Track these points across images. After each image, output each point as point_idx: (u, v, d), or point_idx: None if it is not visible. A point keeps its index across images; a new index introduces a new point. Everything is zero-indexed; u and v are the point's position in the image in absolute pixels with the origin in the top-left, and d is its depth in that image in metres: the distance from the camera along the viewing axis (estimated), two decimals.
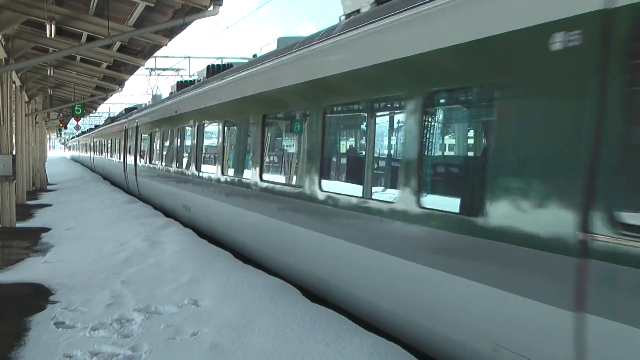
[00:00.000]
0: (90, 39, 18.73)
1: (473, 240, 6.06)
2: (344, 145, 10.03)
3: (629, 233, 4.58)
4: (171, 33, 17.51)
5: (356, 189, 8.76)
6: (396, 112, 8.05)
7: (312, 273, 9.58)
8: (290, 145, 11.47)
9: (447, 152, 7.68)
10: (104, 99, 39.22)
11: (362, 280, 8.10)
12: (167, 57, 53.81)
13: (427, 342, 7.00)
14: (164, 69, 43.94)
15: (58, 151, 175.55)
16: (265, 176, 11.62)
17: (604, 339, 4.77)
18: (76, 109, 36.14)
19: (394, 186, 7.49)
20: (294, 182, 10.63)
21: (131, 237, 15.20)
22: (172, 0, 14.45)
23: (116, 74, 26.47)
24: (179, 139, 18.98)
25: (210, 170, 15.21)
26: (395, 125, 7.95)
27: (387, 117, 8.53)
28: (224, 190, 13.87)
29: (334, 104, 9.10)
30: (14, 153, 20.05)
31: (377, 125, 8.48)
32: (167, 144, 21.12)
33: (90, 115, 78.21)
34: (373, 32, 8.03)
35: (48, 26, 16.03)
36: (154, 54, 22.83)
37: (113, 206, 22.77)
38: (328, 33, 9.35)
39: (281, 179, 11.68)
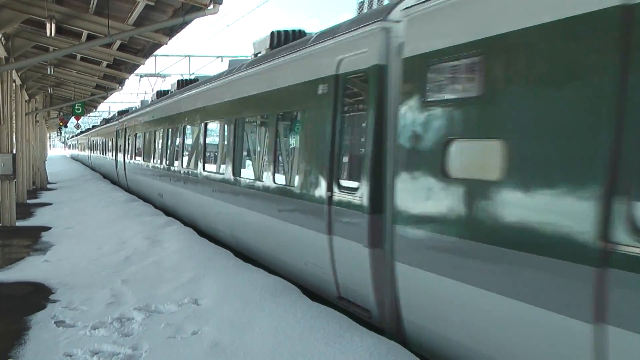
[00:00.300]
0: (90, 37, 18.71)
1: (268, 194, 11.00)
2: (247, 143, 13.27)
3: None
4: (171, 32, 17.50)
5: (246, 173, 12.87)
6: (267, 124, 11.80)
7: (218, 228, 14.71)
8: (223, 144, 14.46)
9: (290, 147, 11.11)
10: (104, 98, 39.19)
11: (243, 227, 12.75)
12: (168, 55, 53.83)
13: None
14: (150, 75, 45.97)
15: (58, 150, 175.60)
16: (207, 167, 15.43)
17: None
18: (76, 107, 36.16)
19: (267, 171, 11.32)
20: (221, 171, 14.06)
21: (131, 236, 15.20)
22: None
23: (116, 73, 26.46)
24: (154, 140, 22.79)
25: (174, 165, 19.09)
26: (268, 132, 11.58)
27: (264, 127, 12.08)
28: (183, 179, 17.77)
29: (239, 117, 13.22)
30: (14, 152, 20.05)
31: (261, 132, 12.49)
32: (146, 143, 24.58)
33: (89, 115, 78.09)
34: (253, 73, 12.55)
35: (48, 25, 16.02)
36: (155, 53, 22.83)
37: (113, 205, 22.78)
38: (235, 70, 14.10)
39: (217, 168, 14.65)
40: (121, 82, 29.19)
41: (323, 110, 9.07)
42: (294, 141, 10.73)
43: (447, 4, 6.60)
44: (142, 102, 39.50)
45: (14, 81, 22.55)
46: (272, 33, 13.04)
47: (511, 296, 5.58)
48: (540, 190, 5.34)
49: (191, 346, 7.46)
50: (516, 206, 5.56)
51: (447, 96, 6.55)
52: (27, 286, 10.97)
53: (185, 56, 48.89)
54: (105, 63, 24.08)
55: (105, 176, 40.46)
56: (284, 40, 12.80)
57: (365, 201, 7.82)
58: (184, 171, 17.50)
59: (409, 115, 7.05)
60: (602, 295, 4.76)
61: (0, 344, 7.92)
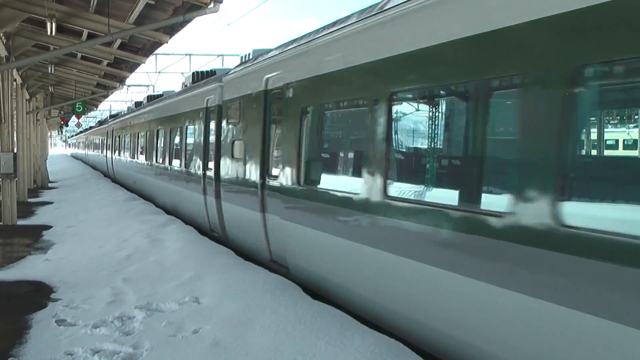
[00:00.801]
0: (90, 36, 18.71)
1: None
2: (168, 143, 20.12)
3: None
4: (172, 30, 17.50)
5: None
6: (172, 132, 19.50)
7: (163, 201, 21.35)
8: (179, 143, 18.86)
9: (185, 145, 17.72)
10: (105, 97, 39.21)
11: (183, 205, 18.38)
12: (168, 54, 53.93)
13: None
14: (137, 85, 54.05)
15: (59, 149, 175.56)
16: (165, 161, 20.68)
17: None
18: (77, 106, 36.17)
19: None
20: (178, 164, 18.83)
21: (132, 235, 15.21)
22: None
23: (117, 72, 26.47)
24: (130, 141, 29.43)
25: (142, 160, 25.37)
26: (173, 137, 19.31)
27: (174, 134, 19.44)
28: (147, 170, 23.95)
29: (170, 127, 19.84)
30: (15, 151, 20.05)
31: (174, 136, 19.46)
32: (125, 143, 31.84)
33: (89, 116, 77.99)
34: (173, 102, 20.34)
35: (49, 24, 16.01)
36: (155, 52, 22.83)
37: (114, 204, 22.80)
38: (164, 98, 23.74)
39: (176, 162, 19.13)
40: (122, 81, 29.23)
41: (200, 125, 15.98)
42: (188, 141, 17.42)
43: (230, 78, 14.10)
44: (128, 108, 45.02)
45: (15, 80, 22.55)
46: (193, 73, 19.27)
47: (250, 208, 11.97)
48: (246, 161, 12.45)
49: (192, 345, 7.45)
50: (243, 168, 12.55)
51: (232, 120, 13.58)
52: (28, 285, 10.97)
53: (186, 55, 48.95)
54: (105, 62, 24.07)
55: (98, 169, 49.18)
56: (200, 78, 18.57)
57: (213, 174, 14.62)
58: (150, 164, 23.48)
59: (224, 128, 14.04)
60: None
61: (1, 343, 7.92)
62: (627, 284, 4.49)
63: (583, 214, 5.15)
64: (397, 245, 7.15)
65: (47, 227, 18.08)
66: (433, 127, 7.51)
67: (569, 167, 5.33)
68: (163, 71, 50.68)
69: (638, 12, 4.48)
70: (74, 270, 12.01)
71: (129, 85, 47.78)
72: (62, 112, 49.05)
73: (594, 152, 7.99)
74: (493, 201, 5.92)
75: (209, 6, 13.59)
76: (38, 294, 10.31)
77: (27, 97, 30.23)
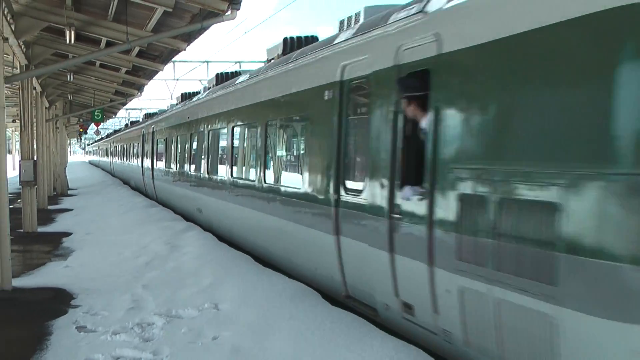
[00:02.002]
0: (109, 44, 18.75)
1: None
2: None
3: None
4: (189, 38, 17.51)
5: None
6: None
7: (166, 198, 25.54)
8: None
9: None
10: (123, 104, 39.30)
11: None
12: (186, 61, 54.09)
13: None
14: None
15: (78, 156, 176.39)
16: (162, 164, 25.15)
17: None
18: (96, 114, 36.31)
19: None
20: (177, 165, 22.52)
21: (151, 241, 15.25)
22: (190, 5, 14.43)
23: (135, 79, 26.50)
24: (129, 149, 36.93)
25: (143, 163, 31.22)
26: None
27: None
28: (144, 171, 30.23)
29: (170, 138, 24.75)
30: (35, 158, 20.14)
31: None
32: (125, 151, 39.64)
33: (104, 126, 78.81)
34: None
35: (67, 32, 16.08)
36: (173, 59, 22.85)
37: (133, 210, 22.87)
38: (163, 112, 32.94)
39: (172, 164, 22.89)
40: (140, 88, 29.25)
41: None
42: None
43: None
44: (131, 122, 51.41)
45: (34, 88, 22.66)
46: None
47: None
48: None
49: (212, 351, 7.45)
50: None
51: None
52: (49, 291, 11.01)
53: (204, 62, 48.99)
54: (124, 69, 24.10)
55: (103, 169, 59.95)
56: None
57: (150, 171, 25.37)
58: (153, 166, 27.71)
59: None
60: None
61: (22, 349, 7.95)
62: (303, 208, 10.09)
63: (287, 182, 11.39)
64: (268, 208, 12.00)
65: (67, 234, 18.15)
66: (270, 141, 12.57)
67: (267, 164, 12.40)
68: (181, 78, 50.69)
69: (279, 102, 11.42)
70: (93, 276, 12.06)
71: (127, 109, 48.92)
72: (81, 119, 49.24)
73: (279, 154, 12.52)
74: (298, 181, 10.45)
75: (226, 13, 13.58)
76: (58, 301, 10.35)
77: (47, 105, 30.34)
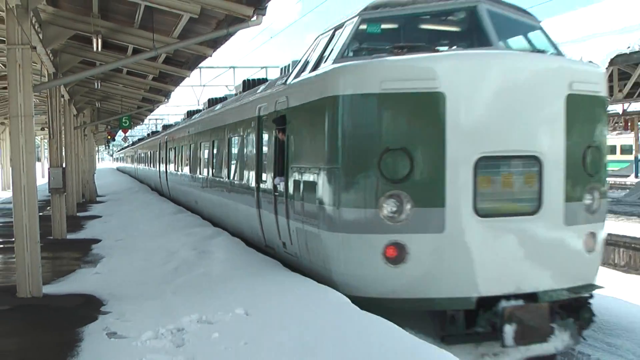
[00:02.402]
0: (135, 51, 18.84)
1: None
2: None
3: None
4: (215, 44, 17.53)
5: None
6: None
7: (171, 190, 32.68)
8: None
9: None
10: (151, 111, 39.49)
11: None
12: (212, 67, 54.15)
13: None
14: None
15: (107, 163, 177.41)
16: (171, 168, 30.41)
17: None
18: (123, 120, 36.51)
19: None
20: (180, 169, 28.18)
21: (180, 247, 15.29)
22: (215, 11, 14.48)
23: (162, 86, 26.62)
24: (150, 156, 43.12)
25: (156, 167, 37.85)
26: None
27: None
28: (158, 173, 36.64)
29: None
30: (63, 166, 20.31)
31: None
32: (146, 157, 46.95)
33: (130, 130, 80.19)
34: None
35: (94, 40, 16.20)
36: (199, 65, 22.94)
37: (161, 216, 22.97)
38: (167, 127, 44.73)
39: (175, 167, 29.09)
40: (167, 95, 29.36)
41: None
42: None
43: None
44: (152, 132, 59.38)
45: (62, 96, 22.86)
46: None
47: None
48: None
49: (243, 357, 7.45)
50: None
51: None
52: (79, 298, 11.09)
53: (230, 67, 49.15)
54: (151, 76, 24.17)
55: (126, 173, 68.23)
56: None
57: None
58: (165, 169, 32.85)
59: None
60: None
61: (53, 355, 8.01)
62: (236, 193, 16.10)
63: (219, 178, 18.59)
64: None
65: (96, 241, 18.28)
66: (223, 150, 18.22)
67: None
68: (207, 84, 50.90)
69: (234, 126, 16.61)
70: (123, 283, 12.13)
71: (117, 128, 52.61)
72: (108, 126, 49.61)
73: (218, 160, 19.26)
74: (240, 177, 15.47)
75: (252, 19, 13.60)
76: (88, 307, 10.42)
77: (75, 112, 30.56)
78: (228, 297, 10.13)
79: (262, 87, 15.37)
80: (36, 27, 14.60)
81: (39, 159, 70.36)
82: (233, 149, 16.70)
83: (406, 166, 9.11)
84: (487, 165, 9.12)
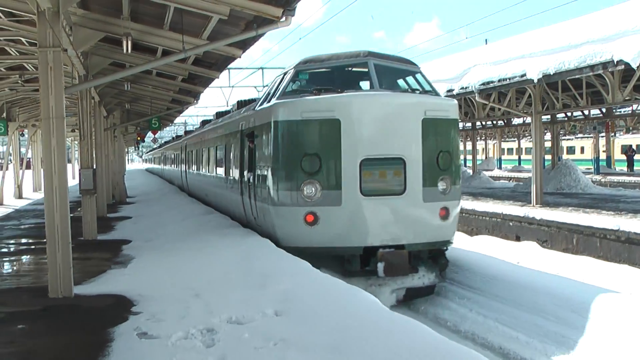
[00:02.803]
0: (165, 53, 18.93)
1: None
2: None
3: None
4: (244, 45, 17.55)
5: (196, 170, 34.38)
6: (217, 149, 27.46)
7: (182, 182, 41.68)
8: (192, 159, 35.06)
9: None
10: (180, 112, 39.65)
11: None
12: (241, 68, 54.33)
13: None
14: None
15: (136, 164, 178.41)
16: (188, 167, 37.78)
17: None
18: (153, 122, 36.72)
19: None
20: (191, 169, 36.06)
21: (210, 247, 15.33)
22: (244, 12, 14.50)
23: (191, 87, 26.67)
24: (173, 157, 48.26)
25: (177, 167, 45.51)
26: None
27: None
28: (180, 172, 43.06)
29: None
30: (94, 167, 20.47)
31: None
32: (171, 158, 51.82)
33: (160, 132, 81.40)
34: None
35: (124, 42, 16.25)
36: (228, 66, 22.99)
37: (191, 217, 23.05)
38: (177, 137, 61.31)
39: (191, 167, 35.89)
40: (196, 96, 29.44)
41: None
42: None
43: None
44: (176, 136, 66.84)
45: (93, 98, 23.02)
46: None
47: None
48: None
49: (276, 356, 7.47)
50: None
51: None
52: (109, 298, 11.17)
53: (259, 69, 49.28)
54: (180, 77, 24.24)
55: (154, 174, 73.54)
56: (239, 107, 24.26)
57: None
58: (185, 169, 38.22)
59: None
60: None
61: (84, 355, 8.08)
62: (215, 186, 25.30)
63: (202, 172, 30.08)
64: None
65: (126, 242, 18.40)
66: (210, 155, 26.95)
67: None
68: (236, 85, 51.05)
69: (225, 136, 22.77)
70: (153, 283, 12.18)
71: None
72: (138, 128, 49.91)
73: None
74: (229, 173, 21.09)
75: (281, 20, 13.62)
76: (119, 308, 10.48)
77: (105, 114, 30.75)
78: (260, 297, 10.15)
79: (244, 109, 21.15)
80: (67, 29, 14.66)
81: (69, 161, 70.96)
82: (226, 153, 22.00)
83: (317, 165, 14.59)
84: (368, 164, 14.48)
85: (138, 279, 12.82)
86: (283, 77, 17.04)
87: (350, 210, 14.55)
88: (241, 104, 23.56)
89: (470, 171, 48.61)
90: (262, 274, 11.80)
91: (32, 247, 18.63)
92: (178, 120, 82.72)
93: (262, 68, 50.31)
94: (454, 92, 28.93)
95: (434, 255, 15.66)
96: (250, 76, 75.56)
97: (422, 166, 14.76)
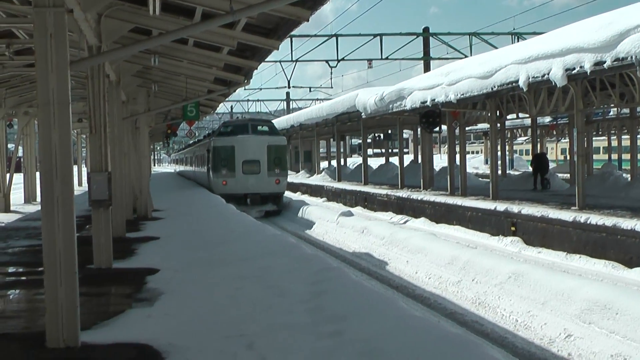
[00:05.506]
0: (206, 15, 18.76)
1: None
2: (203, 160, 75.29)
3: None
4: (315, 4, 17.19)
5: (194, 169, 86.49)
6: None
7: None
8: (193, 162, 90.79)
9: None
10: (226, 95, 39.06)
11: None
12: (309, 36, 54.74)
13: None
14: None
15: (165, 166, 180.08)
16: (192, 167, 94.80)
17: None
18: (188, 109, 36.08)
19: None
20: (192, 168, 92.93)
21: (253, 283, 15.35)
22: None
23: (241, 62, 26.27)
24: (200, 158, 78.79)
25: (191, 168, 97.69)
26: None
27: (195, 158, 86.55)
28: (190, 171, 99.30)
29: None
30: (109, 170, 20.06)
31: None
32: (199, 159, 79.99)
33: (198, 122, 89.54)
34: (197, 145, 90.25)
35: (150, 0, 15.89)
36: (291, 33, 22.78)
37: (233, 236, 23.00)
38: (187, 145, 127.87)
39: (191, 168, 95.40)
40: (248, 74, 29.08)
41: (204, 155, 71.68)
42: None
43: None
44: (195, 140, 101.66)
45: (108, 76, 22.19)
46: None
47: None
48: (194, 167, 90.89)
49: None
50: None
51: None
52: (130, 349, 11.22)
53: (332, 36, 49.44)
54: (226, 49, 23.84)
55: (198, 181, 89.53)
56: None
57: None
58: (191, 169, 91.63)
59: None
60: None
61: None
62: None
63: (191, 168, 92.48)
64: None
65: (152, 271, 18.28)
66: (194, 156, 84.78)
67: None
68: (301, 59, 51.32)
69: (204, 148, 73.97)
70: (187, 329, 12.21)
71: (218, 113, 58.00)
72: (168, 117, 50.56)
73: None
74: (204, 169, 71.02)
75: None
76: None
77: (124, 98, 29.81)
78: (314, 351, 10.12)
79: (210, 138, 66.26)
80: None
81: (75, 161, 69.19)
82: (204, 157, 66.42)
83: (227, 163, 57.09)
84: (245, 162, 56.37)
85: (167, 322, 12.87)
86: (218, 128, 63.20)
87: (239, 179, 55.29)
88: (207, 136, 65.05)
89: (628, 176, 45.43)
90: (335, 315, 11.77)
91: (23, 278, 18.74)
92: (221, 109, 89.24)
93: (336, 35, 50.50)
94: (605, 66, 26.14)
95: (274, 197, 56.19)
96: (320, 46, 76.21)
97: (267, 163, 55.58)
